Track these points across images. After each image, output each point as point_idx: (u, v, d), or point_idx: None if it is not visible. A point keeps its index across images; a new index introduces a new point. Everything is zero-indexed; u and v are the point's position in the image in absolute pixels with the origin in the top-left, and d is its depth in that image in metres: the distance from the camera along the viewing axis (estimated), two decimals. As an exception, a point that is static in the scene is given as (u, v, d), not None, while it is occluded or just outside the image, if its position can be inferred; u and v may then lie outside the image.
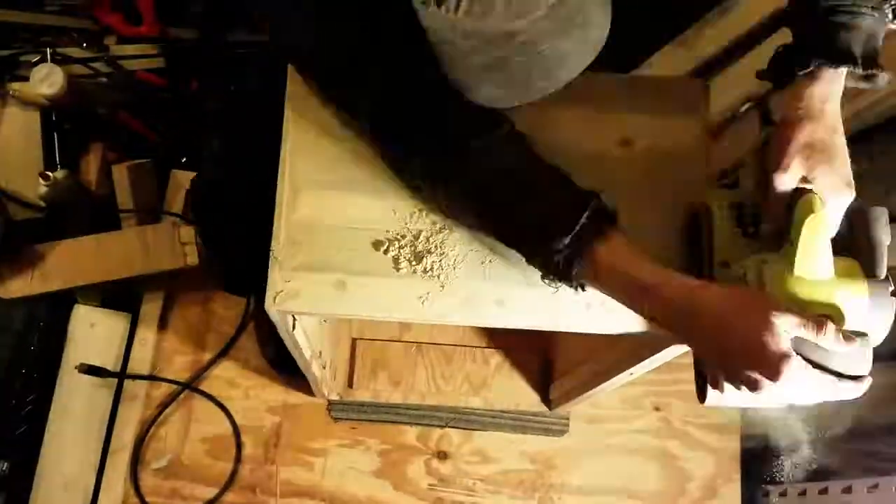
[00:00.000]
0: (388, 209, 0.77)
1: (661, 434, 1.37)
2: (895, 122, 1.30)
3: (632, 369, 0.96)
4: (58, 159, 1.34)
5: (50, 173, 1.23)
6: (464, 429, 1.34)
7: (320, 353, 1.08)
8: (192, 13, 1.51)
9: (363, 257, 0.76)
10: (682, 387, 1.39)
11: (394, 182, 0.77)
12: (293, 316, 0.82)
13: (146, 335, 1.31)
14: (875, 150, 1.33)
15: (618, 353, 0.99)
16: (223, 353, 1.33)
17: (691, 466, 1.36)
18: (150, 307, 1.33)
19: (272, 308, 0.75)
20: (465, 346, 1.38)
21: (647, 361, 0.91)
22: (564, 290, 0.73)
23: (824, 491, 1.32)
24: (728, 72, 1.56)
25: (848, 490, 1.28)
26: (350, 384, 1.33)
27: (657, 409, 1.38)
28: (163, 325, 1.33)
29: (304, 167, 0.78)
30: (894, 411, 1.32)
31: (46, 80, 1.26)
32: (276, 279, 0.75)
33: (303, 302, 0.75)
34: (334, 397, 1.32)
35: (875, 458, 1.34)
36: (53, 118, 1.35)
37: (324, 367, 1.14)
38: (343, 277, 0.75)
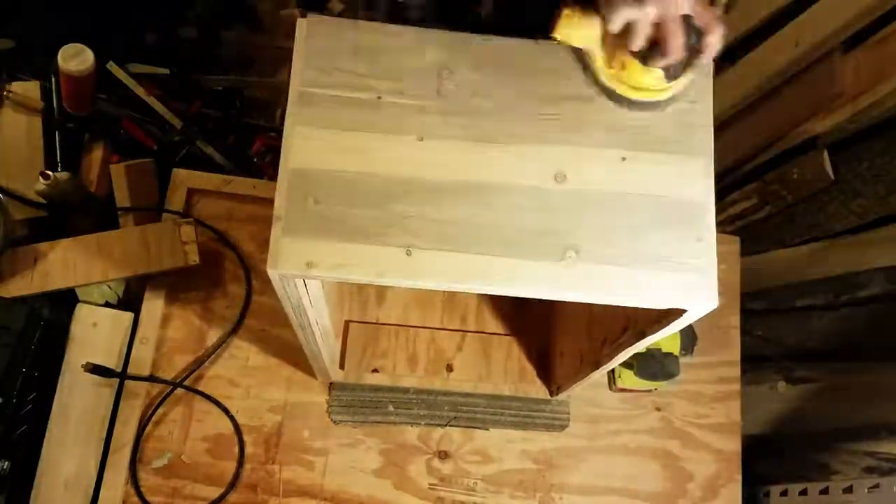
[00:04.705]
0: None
1: (662, 434, 1.38)
2: (895, 122, 1.31)
3: (630, 348, 0.96)
4: (59, 159, 1.34)
5: (50, 172, 1.23)
6: (465, 427, 1.34)
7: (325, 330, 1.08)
8: (194, 14, 1.52)
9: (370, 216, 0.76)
10: (682, 387, 1.40)
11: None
12: (305, 282, 0.82)
13: (147, 334, 1.31)
14: (875, 150, 1.33)
15: (617, 331, 0.99)
16: (221, 344, 1.33)
17: (692, 466, 1.37)
18: (152, 306, 1.33)
19: (274, 272, 0.74)
20: (466, 331, 1.38)
21: (645, 340, 0.91)
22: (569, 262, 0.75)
23: (825, 491, 1.33)
24: (733, 68, 1.57)
25: (849, 490, 1.29)
26: (341, 365, 1.33)
27: (658, 409, 1.39)
28: (164, 324, 1.33)
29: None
30: (895, 410, 1.33)
31: (76, 58, 1.25)
32: (279, 240, 0.74)
33: (308, 265, 0.74)
34: (338, 379, 1.32)
35: (876, 457, 1.35)
36: (55, 118, 1.35)
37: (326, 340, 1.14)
38: (346, 240, 0.75)
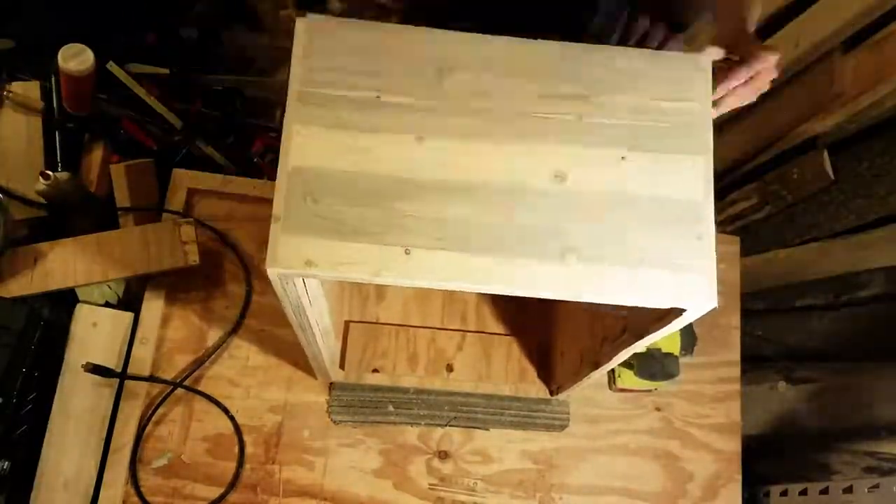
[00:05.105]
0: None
1: (662, 434, 1.38)
2: (895, 122, 1.31)
3: (630, 347, 0.96)
4: (59, 159, 1.34)
5: (50, 172, 1.23)
6: (465, 427, 1.34)
7: (325, 330, 1.09)
8: (194, 14, 1.52)
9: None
10: (682, 387, 1.39)
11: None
12: (304, 281, 0.83)
13: (147, 334, 1.31)
14: (875, 150, 1.34)
15: (617, 331, 0.99)
16: (221, 344, 1.33)
17: (692, 467, 1.36)
18: (152, 306, 1.33)
19: (273, 270, 0.75)
20: (466, 331, 1.38)
21: (644, 339, 0.92)
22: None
23: (825, 491, 1.33)
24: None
25: (849, 490, 1.29)
26: (341, 366, 1.34)
27: (658, 409, 1.39)
28: (164, 324, 1.33)
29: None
30: (895, 410, 1.33)
31: (77, 58, 1.25)
32: (278, 239, 0.74)
33: (307, 263, 0.74)
34: (339, 379, 1.32)
35: (876, 457, 1.35)
36: (55, 118, 1.35)
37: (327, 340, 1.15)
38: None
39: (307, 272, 0.75)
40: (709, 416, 1.39)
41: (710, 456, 1.37)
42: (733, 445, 1.38)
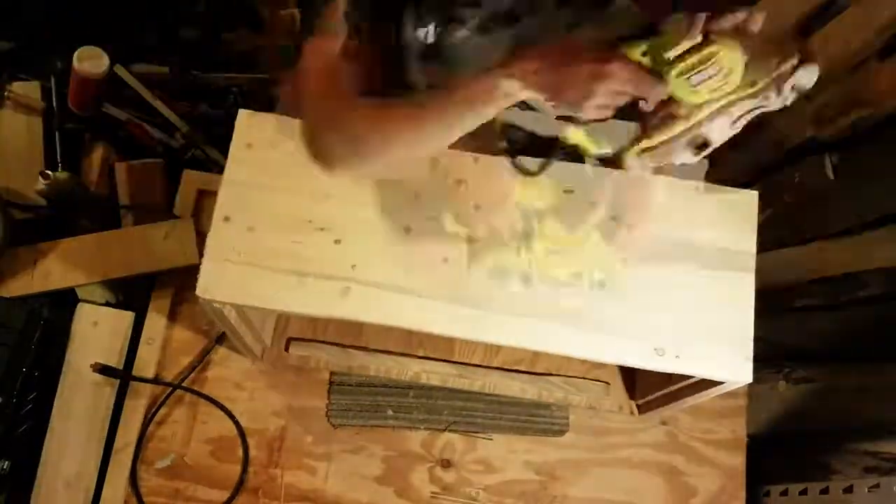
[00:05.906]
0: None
1: (667, 448, 1.35)
2: (895, 122, 1.31)
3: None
4: (59, 159, 1.34)
5: (50, 172, 1.22)
6: (465, 432, 1.33)
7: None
8: (195, 14, 1.52)
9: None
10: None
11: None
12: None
13: (153, 335, 1.30)
14: (875, 150, 1.34)
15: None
16: (218, 341, 1.32)
17: (696, 482, 1.34)
18: (159, 307, 1.32)
19: (201, 296, 0.90)
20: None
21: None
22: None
23: (825, 490, 1.33)
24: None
25: (849, 490, 1.28)
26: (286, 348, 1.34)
27: (663, 423, 1.36)
28: (170, 325, 1.32)
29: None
30: (895, 410, 1.33)
31: (91, 61, 1.25)
32: (208, 269, 0.91)
33: (230, 293, 0.91)
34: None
35: (876, 457, 1.35)
36: (55, 119, 1.34)
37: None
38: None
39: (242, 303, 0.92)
40: (714, 431, 1.37)
41: (714, 472, 1.35)
42: (738, 462, 1.35)
